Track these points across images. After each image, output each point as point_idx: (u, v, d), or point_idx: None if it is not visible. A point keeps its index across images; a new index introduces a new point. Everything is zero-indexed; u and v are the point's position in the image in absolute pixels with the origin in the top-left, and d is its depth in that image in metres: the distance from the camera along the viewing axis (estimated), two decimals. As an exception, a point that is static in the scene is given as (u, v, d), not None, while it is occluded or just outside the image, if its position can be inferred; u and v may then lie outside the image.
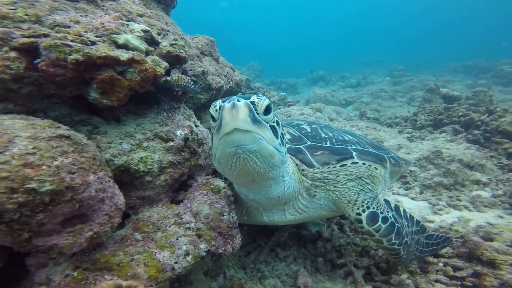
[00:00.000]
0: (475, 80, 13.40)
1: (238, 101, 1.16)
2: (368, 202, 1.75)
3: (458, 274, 2.05)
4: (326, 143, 2.01)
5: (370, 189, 1.86)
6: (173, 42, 1.66)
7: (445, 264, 2.18)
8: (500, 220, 3.14)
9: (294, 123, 2.34)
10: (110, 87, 1.28)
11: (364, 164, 1.91)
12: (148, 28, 1.55)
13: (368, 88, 14.35)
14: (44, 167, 0.95)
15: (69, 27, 1.40)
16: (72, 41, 1.26)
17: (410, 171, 4.50)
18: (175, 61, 1.68)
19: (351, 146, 2.04)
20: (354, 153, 1.92)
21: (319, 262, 2.26)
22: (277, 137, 1.33)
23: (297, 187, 1.75)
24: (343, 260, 2.19)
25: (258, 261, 2.30)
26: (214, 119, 1.31)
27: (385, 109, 10.65)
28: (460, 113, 5.72)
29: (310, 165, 1.82)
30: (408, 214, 2.08)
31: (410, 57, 28.16)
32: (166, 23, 2.24)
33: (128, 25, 1.51)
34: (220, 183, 1.70)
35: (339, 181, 1.82)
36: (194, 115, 1.87)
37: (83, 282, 1.16)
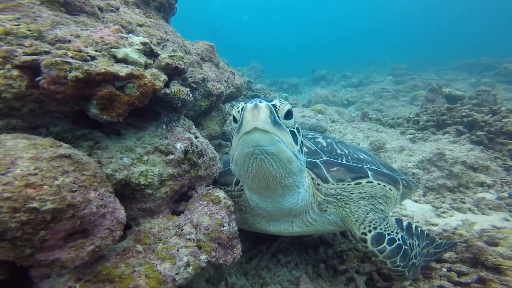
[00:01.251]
0: (478, 78, 13.25)
1: (261, 102, 1.19)
2: (376, 222, 1.74)
3: (463, 279, 2.03)
4: (342, 160, 2.02)
5: (381, 210, 1.85)
6: (172, 53, 1.67)
7: (449, 270, 2.16)
8: (506, 223, 3.11)
9: (309, 136, 2.35)
10: (110, 103, 1.29)
11: (379, 184, 1.90)
12: (147, 41, 1.57)
13: (370, 87, 14.31)
14: (45, 186, 0.97)
15: (69, 41, 1.42)
16: (72, 57, 1.28)
17: (413, 173, 4.48)
18: (174, 72, 1.69)
19: (367, 165, 2.05)
20: (369, 173, 1.92)
21: (320, 268, 2.27)
22: (296, 143, 1.33)
23: (310, 201, 1.75)
24: (344, 266, 2.19)
25: (260, 267, 2.31)
26: (235, 121, 1.33)
27: (387, 108, 10.60)
28: (463, 114, 5.67)
29: (325, 181, 1.82)
30: (419, 230, 2.08)
31: (413, 55, 28.00)
32: (165, 32, 2.27)
33: (127, 38, 1.52)
34: (221, 193, 1.71)
35: (351, 198, 1.82)
36: (194, 126, 1.88)
37: (85, 295, 1.18)
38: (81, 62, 1.24)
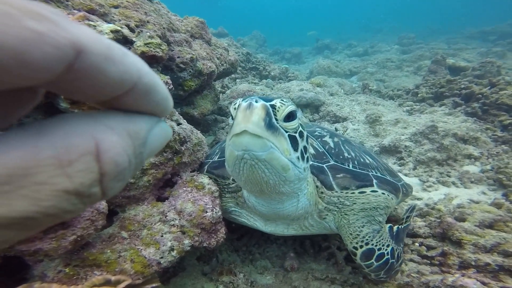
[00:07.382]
0: (490, 47, 12.56)
1: (256, 101, 1.06)
2: (369, 237, 1.70)
3: (429, 253, 2.17)
4: (348, 165, 1.90)
5: (379, 221, 1.80)
6: (148, 41, 1.62)
7: (421, 244, 2.31)
8: (483, 196, 3.23)
9: (317, 133, 2.18)
10: (82, 97, 1.29)
11: (383, 194, 1.81)
12: (119, 28, 1.52)
13: (375, 57, 13.78)
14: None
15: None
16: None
17: (405, 146, 4.52)
18: (152, 60, 1.66)
19: (372, 172, 1.95)
20: (374, 181, 1.82)
21: (306, 244, 2.41)
22: (296, 150, 1.20)
23: (310, 209, 1.68)
24: (327, 243, 2.33)
25: (251, 243, 2.44)
26: (232, 117, 1.21)
27: (390, 79, 10.32)
28: (462, 86, 5.57)
29: (330, 188, 1.73)
30: (406, 230, 2.12)
31: (425, 22, 26.38)
32: (145, 12, 2.16)
33: (95, 26, 1.46)
34: (205, 179, 1.78)
35: (353, 209, 1.74)
36: (177, 113, 1.88)
37: (75, 278, 1.30)
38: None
